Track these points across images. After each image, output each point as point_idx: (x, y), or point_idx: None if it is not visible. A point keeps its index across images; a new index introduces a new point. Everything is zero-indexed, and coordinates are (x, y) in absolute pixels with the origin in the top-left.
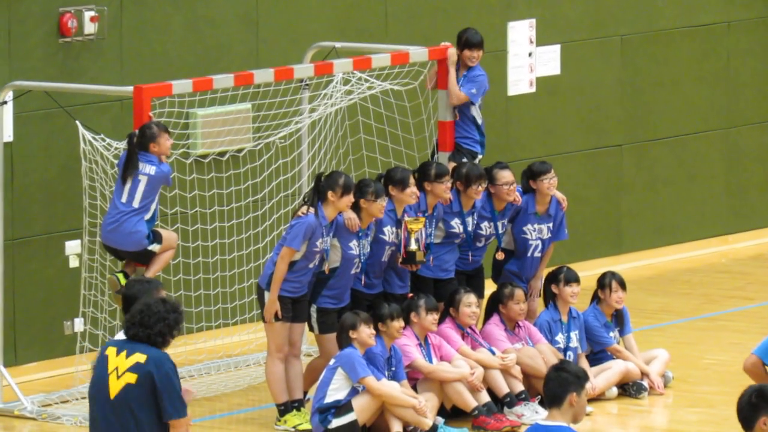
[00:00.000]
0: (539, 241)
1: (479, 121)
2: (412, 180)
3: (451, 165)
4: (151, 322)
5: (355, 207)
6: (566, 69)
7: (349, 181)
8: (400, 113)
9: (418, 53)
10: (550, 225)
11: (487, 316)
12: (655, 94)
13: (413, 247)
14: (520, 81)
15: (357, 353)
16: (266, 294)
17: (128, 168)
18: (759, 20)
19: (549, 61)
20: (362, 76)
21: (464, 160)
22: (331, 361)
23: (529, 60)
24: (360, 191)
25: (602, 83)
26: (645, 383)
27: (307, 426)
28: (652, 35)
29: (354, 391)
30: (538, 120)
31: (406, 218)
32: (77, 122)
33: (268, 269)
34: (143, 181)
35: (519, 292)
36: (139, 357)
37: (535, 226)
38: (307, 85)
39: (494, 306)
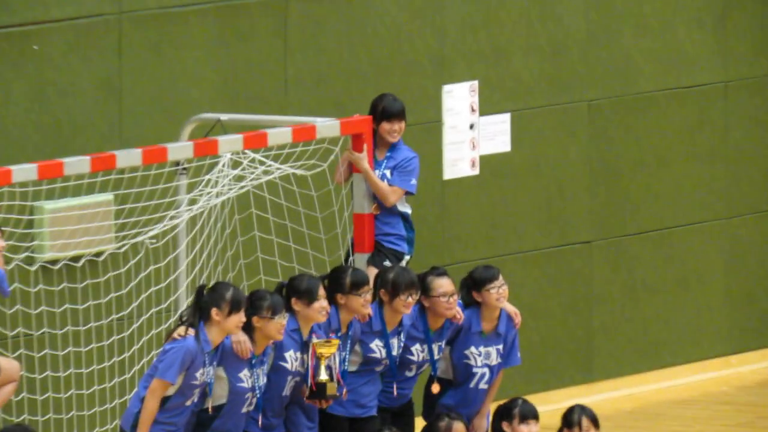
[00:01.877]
0: (486, 369)
1: (406, 212)
2: (321, 291)
3: (371, 270)
4: None
5: (248, 327)
6: (518, 145)
7: (238, 295)
8: (305, 205)
9: (327, 127)
10: (500, 347)
11: None
12: (633, 176)
13: (323, 377)
14: (459, 161)
15: None
16: None
17: None
18: (764, 79)
19: (496, 134)
20: (256, 157)
21: (386, 262)
22: None
23: (470, 134)
24: (253, 306)
25: (565, 162)
26: None
27: None
28: (628, 100)
29: None
30: (482, 210)
31: (315, 340)
32: None
33: (134, 407)
34: None
35: (459, 426)
36: None
37: (481, 349)
38: (185, 169)
39: None
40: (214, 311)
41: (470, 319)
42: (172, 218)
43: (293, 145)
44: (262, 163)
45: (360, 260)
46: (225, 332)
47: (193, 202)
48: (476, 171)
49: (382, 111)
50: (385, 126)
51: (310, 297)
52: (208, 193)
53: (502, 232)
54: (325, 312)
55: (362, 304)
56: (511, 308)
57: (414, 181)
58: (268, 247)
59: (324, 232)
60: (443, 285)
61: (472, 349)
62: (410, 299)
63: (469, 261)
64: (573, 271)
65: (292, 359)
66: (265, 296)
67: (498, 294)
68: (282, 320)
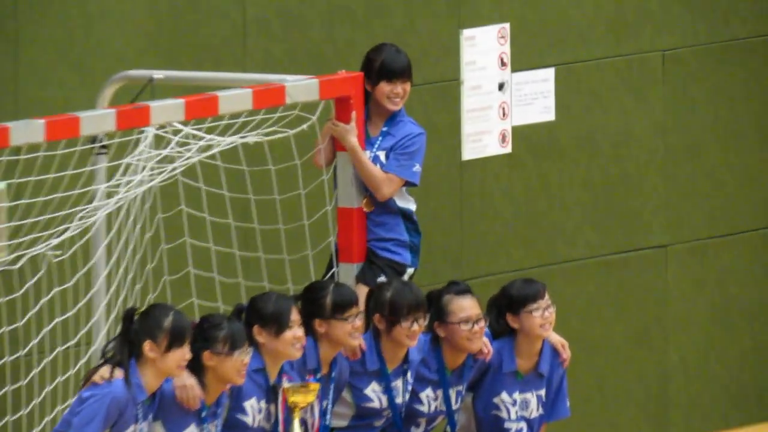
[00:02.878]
0: (523, 423)
1: (408, 209)
2: (294, 315)
3: (361, 289)
4: None
5: (196, 366)
6: (566, 112)
7: (180, 321)
8: (270, 197)
9: (300, 88)
10: (542, 393)
11: None
12: (724, 154)
13: None
14: (484, 134)
15: None
16: None
17: None
18: None
19: (536, 97)
20: (200, 135)
21: (382, 278)
22: None
23: (499, 97)
24: (204, 338)
25: (632, 136)
26: None
27: None
28: (717, 49)
29: None
30: (517, 203)
31: (286, 384)
32: None
33: None
34: None
35: None
36: None
37: (516, 396)
38: (104, 147)
39: None
40: (147, 345)
41: (501, 354)
42: (82, 219)
43: (251, 114)
44: (212, 139)
45: (347, 273)
46: (164, 374)
47: (112, 193)
48: (508, 148)
49: (381, 68)
50: (384, 88)
51: (279, 324)
52: (138, 181)
53: (544, 233)
54: (299, 345)
55: (349, 332)
56: (557, 339)
57: (417, 168)
58: (224, 259)
59: (297, 235)
60: (465, 307)
61: (504, 396)
62: (416, 326)
63: (500, 273)
64: (642, 286)
65: (254, 411)
66: (220, 323)
67: (543, 319)
68: (243, 357)
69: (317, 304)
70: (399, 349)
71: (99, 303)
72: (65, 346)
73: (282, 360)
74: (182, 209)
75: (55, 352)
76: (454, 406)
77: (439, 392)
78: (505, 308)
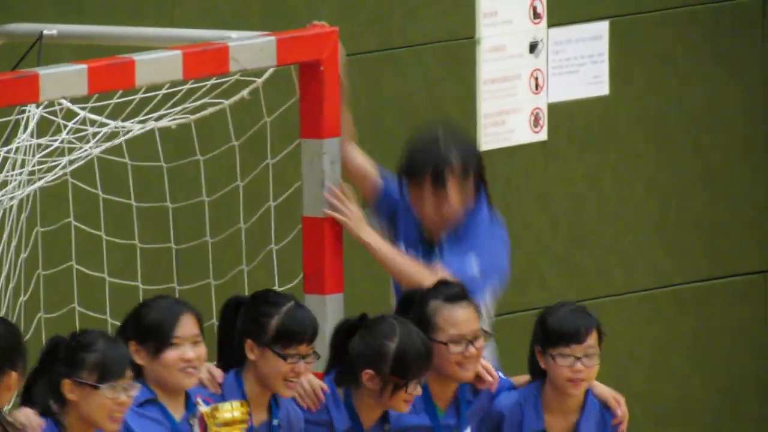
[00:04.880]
0: None
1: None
2: (185, 327)
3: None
4: None
5: (57, 398)
6: (625, 84)
7: (6, 332)
8: (198, 200)
9: (250, 49)
10: None
11: None
12: None
13: None
14: (509, 116)
15: None
16: None
17: None
18: None
19: (582, 63)
20: (97, 120)
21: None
22: None
23: (531, 62)
24: (69, 361)
25: (718, 119)
26: None
27: None
28: None
29: None
30: (555, 212)
31: (203, 408)
32: None
33: None
34: None
35: None
36: None
37: None
38: None
39: None
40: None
41: (523, 406)
42: None
43: (183, 84)
44: (120, 127)
45: (315, 305)
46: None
47: None
48: (542, 134)
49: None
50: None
51: (158, 339)
52: (17, 179)
53: (594, 253)
54: (191, 368)
55: (284, 375)
56: (607, 392)
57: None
58: (121, 293)
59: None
60: (458, 321)
61: None
62: (418, 388)
63: (531, 309)
64: (733, 327)
65: None
66: (92, 343)
67: (572, 371)
68: (119, 394)
69: (258, 322)
70: (380, 406)
71: None
72: None
73: (174, 390)
74: (70, 223)
75: None
76: None
77: None
78: (537, 340)
